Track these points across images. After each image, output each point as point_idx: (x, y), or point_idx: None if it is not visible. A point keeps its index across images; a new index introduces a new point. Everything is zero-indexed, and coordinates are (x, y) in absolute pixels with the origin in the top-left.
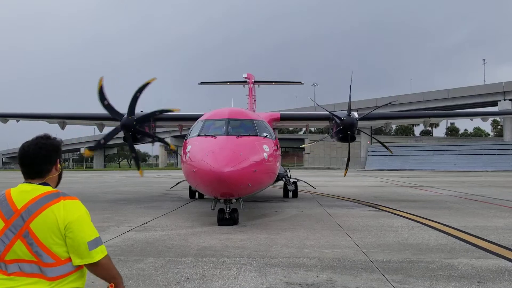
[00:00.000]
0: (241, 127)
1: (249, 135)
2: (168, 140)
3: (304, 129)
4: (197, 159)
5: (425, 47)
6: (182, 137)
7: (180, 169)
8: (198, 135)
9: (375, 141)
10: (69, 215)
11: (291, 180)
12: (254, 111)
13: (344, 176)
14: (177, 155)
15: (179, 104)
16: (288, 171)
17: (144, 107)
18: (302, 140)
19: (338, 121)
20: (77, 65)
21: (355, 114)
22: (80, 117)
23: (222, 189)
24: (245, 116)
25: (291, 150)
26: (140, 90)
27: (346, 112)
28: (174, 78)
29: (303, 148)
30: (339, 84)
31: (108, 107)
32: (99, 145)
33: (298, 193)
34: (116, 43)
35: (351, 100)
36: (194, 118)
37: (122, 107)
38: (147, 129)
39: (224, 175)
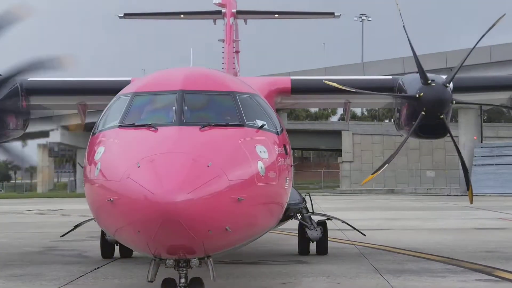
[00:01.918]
0: (209, 107)
1: (227, 125)
2: (55, 135)
3: (341, 110)
4: (118, 176)
5: None
6: (88, 131)
7: (82, 195)
8: (120, 125)
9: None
10: None
11: (315, 219)
12: (236, 75)
13: (471, 204)
14: (74, 166)
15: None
16: (308, 198)
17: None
18: (337, 134)
19: (410, 94)
20: None
21: (443, 79)
22: None
23: (171, 238)
24: (217, 85)
25: (314, 155)
26: None
27: (430, 76)
28: (71, 9)
29: (339, 152)
30: (413, 19)
31: None
32: None
33: (330, 244)
34: None
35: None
36: (111, 90)
37: None
38: (10, 117)
39: (174, 210)
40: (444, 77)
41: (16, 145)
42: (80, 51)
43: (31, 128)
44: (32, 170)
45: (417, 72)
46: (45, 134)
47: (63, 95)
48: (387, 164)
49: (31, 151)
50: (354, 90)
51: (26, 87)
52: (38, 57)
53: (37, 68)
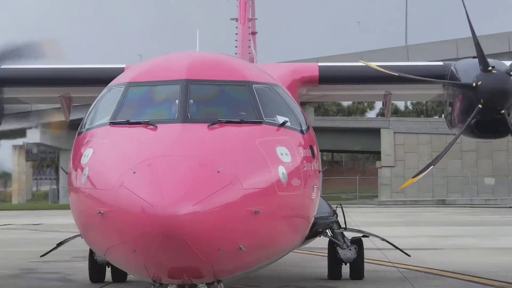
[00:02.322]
0: (220, 100)
1: (241, 122)
2: (34, 135)
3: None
4: (110, 183)
5: None
6: (73, 129)
7: (66, 207)
8: (112, 123)
9: None
10: None
11: (348, 236)
12: (252, 61)
13: None
14: (57, 172)
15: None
16: (340, 211)
17: None
18: (375, 133)
19: (465, 82)
20: None
21: (506, 66)
22: None
23: (174, 259)
24: (229, 74)
25: (347, 158)
26: None
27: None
28: None
29: (377, 155)
30: None
31: None
32: None
33: (366, 266)
34: None
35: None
36: (101, 79)
37: None
38: None
39: (177, 224)
40: (507, 63)
41: None
42: (64, 32)
43: (4, 126)
44: (5, 177)
45: (474, 57)
46: (21, 133)
47: (43, 86)
48: (432, 166)
49: (5, 154)
50: (397, 74)
51: None
52: (13, 42)
53: (12, 55)
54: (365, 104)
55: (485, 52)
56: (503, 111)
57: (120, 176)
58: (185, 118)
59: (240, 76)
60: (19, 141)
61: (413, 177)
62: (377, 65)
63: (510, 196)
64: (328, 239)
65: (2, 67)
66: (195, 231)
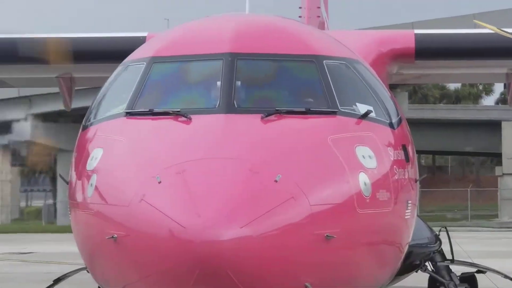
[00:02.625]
0: (278, 83)
1: (307, 113)
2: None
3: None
4: (126, 197)
5: None
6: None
7: (66, 229)
8: (129, 113)
9: None
10: None
11: (456, 271)
12: (323, 28)
13: None
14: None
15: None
16: (445, 235)
17: None
18: (493, 128)
19: None
20: None
21: None
22: None
23: None
24: (291, 45)
25: (454, 163)
26: None
27: None
28: None
29: (496, 158)
30: None
31: None
32: None
33: None
34: None
35: None
36: (114, 53)
37: None
38: None
39: (219, 254)
40: None
41: None
42: None
43: None
44: None
45: None
46: (5, 127)
47: (35, 63)
48: None
49: None
50: None
51: None
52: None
53: None
54: (480, 88)
55: None
56: None
57: (140, 187)
58: (230, 107)
59: (306, 48)
60: (3, 139)
61: None
62: (504, 30)
63: None
64: (428, 275)
65: None
66: (243, 262)
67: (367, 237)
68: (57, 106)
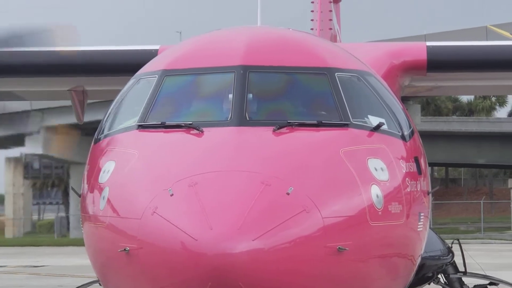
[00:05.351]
0: (289, 95)
1: (319, 125)
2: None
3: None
4: (139, 210)
5: None
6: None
7: (78, 242)
8: (141, 126)
9: None
10: None
11: (468, 283)
12: (335, 41)
13: None
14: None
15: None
16: (458, 247)
17: None
18: (506, 141)
19: None
20: None
21: None
22: None
23: None
24: (303, 58)
25: (466, 175)
26: None
27: None
28: None
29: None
30: None
31: None
32: None
33: None
34: None
35: None
36: (126, 66)
37: None
38: None
39: (232, 267)
40: None
41: None
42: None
43: None
44: None
45: None
46: (18, 140)
47: (47, 75)
48: None
49: None
50: None
51: None
52: (12, 28)
53: (11, 45)
54: (492, 99)
55: None
56: None
57: (152, 199)
58: (242, 119)
59: (318, 60)
60: (15, 152)
61: None
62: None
63: None
64: (440, 287)
65: None
66: (255, 275)
67: (379, 250)
68: (70, 119)
